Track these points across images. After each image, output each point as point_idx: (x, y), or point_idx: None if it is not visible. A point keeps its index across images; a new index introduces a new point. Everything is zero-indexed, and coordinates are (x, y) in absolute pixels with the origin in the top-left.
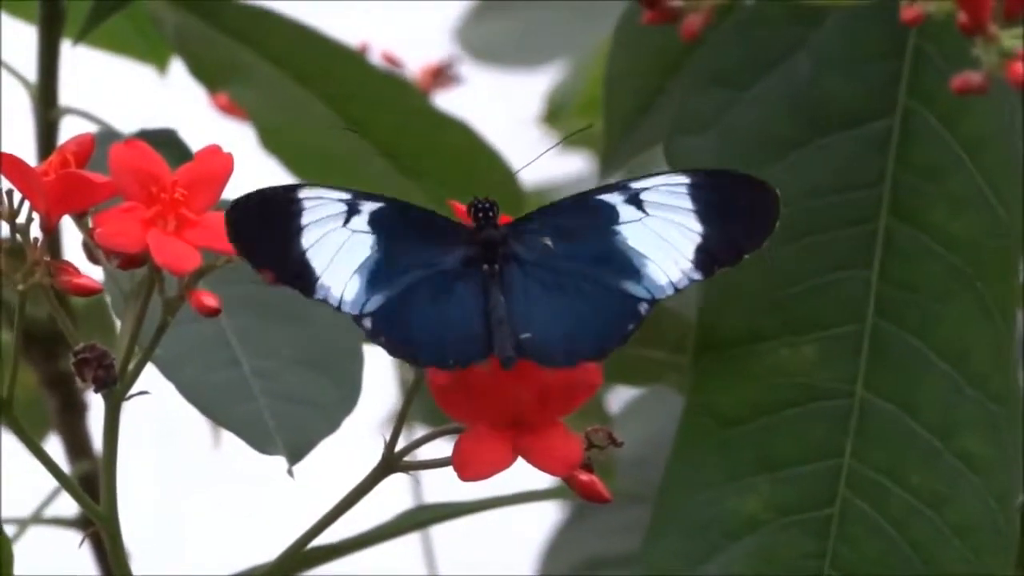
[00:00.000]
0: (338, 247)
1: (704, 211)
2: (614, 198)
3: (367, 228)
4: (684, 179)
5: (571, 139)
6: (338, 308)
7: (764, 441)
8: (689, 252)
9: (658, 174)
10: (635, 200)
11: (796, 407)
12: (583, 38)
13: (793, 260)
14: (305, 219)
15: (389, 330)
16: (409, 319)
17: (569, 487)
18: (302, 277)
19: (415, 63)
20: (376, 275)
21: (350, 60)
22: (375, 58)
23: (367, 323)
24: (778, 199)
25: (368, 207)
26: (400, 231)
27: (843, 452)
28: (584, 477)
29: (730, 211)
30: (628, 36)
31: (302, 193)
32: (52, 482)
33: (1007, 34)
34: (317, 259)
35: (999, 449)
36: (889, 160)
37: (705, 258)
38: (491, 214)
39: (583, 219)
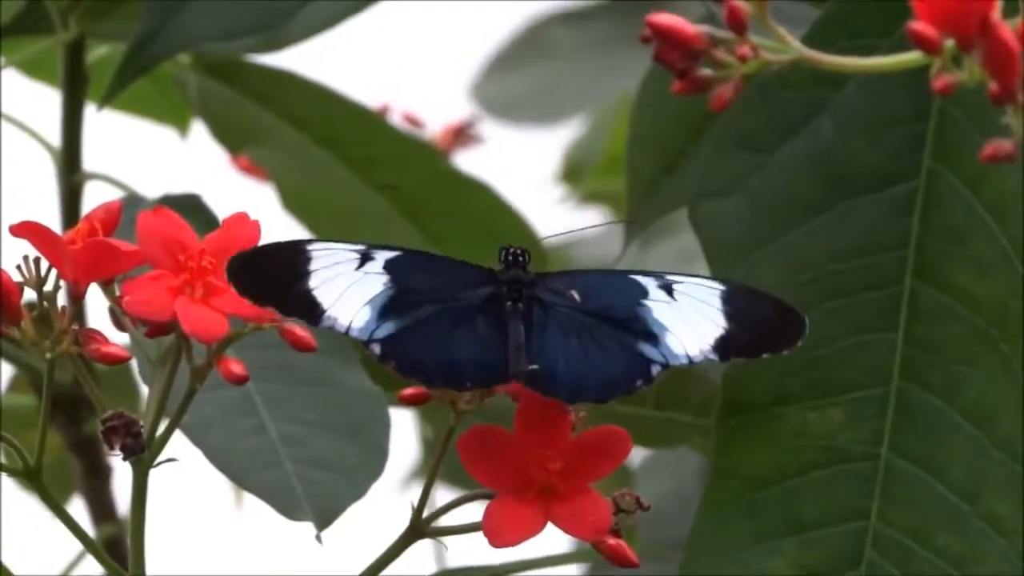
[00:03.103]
0: (348, 285)
1: (732, 313)
2: (647, 281)
3: (381, 271)
4: (719, 286)
5: (591, 196)
6: (346, 333)
7: (790, 503)
8: (711, 338)
9: (695, 276)
10: (667, 288)
11: (822, 469)
12: (599, 95)
13: (818, 323)
14: (314, 265)
15: (401, 354)
16: (424, 345)
17: (596, 551)
18: (309, 311)
19: (434, 121)
20: (388, 307)
21: (371, 121)
22: (396, 118)
23: (376, 348)
24: (805, 326)
25: (383, 255)
26: (415, 272)
27: (869, 514)
28: (612, 541)
29: (757, 321)
30: (651, 99)
31: (311, 247)
32: (70, 545)
33: None
34: (324, 295)
35: None
36: (913, 223)
37: (725, 348)
38: (522, 259)
39: (612, 287)
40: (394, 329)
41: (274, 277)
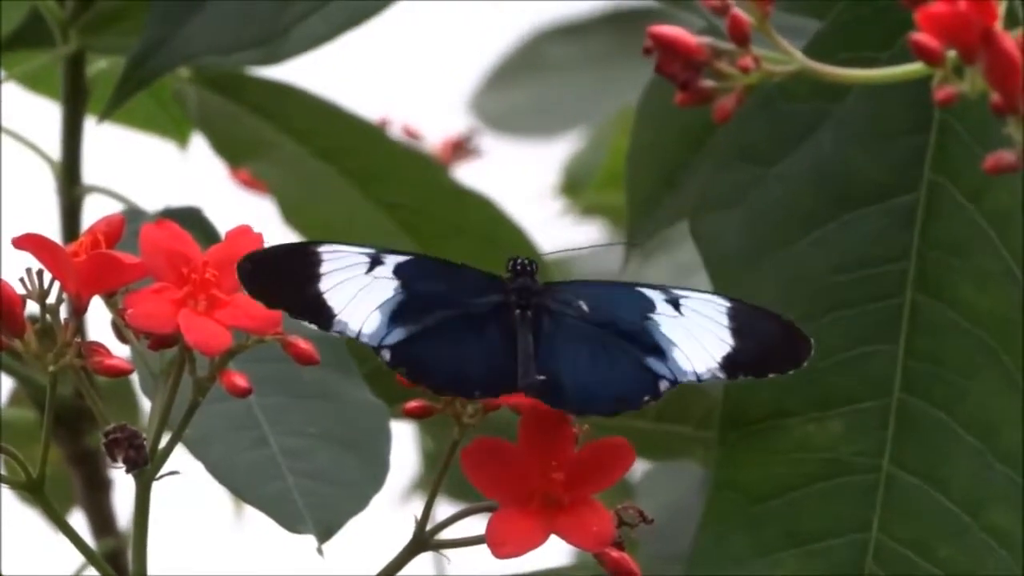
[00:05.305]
0: (358, 290)
1: (738, 330)
2: (654, 294)
3: (390, 275)
4: (725, 302)
5: (591, 209)
6: (356, 339)
7: (791, 516)
8: (718, 355)
9: (701, 291)
10: (674, 302)
11: (823, 482)
12: (597, 109)
13: (819, 335)
14: (324, 268)
15: (410, 361)
16: (434, 352)
17: (599, 562)
18: (319, 315)
19: (433, 134)
20: (398, 313)
21: (371, 135)
22: (396, 131)
23: (386, 354)
24: (811, 347)
25: (393, 260)
26: (425, 277)
27: (870, 526)
28: (614, 554)
29: (764, 341)
30: (652, 112)
31: (322, 248)
32: (66, 560)
33: None
34: (335, 300)
35: None
36: (914, 235)
37: (732, 366)
38: (529, 268)
39: (620, 299)
40: (404, 335)
41: (285, 279)
